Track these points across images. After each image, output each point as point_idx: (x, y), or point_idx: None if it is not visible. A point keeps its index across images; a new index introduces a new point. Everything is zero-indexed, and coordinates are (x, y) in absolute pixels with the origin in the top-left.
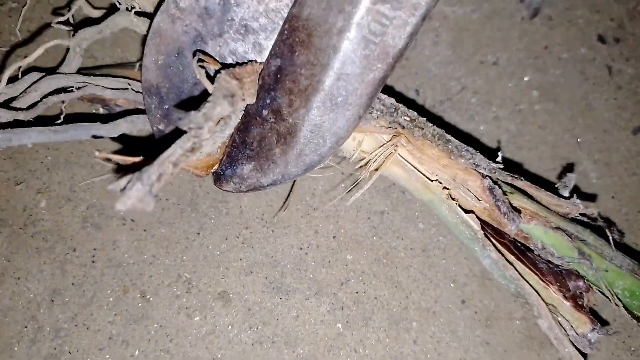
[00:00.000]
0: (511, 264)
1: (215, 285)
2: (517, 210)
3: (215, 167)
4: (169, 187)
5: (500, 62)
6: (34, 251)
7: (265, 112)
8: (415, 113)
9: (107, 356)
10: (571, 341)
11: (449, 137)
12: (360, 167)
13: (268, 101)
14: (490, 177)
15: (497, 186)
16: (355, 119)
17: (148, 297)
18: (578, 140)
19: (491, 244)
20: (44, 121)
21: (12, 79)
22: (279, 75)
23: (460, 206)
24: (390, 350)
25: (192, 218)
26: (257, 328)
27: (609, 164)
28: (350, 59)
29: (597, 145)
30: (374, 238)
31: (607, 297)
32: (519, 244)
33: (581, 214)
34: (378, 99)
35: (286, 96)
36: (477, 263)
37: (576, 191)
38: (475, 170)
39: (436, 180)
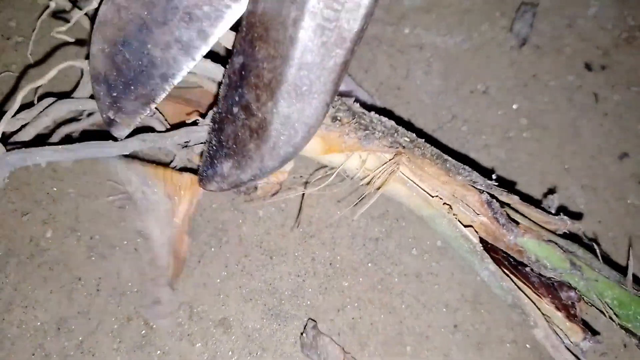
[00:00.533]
0: (509, 276)
1: (216, 312)
2: (514, 222)
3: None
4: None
5: (490, 91)
6: (41, 280)
7: (235, 110)
8: (414, 135)
9: None
10: (567, 348)
11: (446, 157)
12: (365, 184)
13: (237, 98)
14: (487, 193)
15: (494, 200)
16: (323, 107)
17: (151, 324)
18: (566, 166)
19: (489, 257)
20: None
21: (28, 105)
22: (243, 72)
23: (459, 221)
24: None
25: (193, 246)
26: (257, 354)
27: (595, 189)
28: (308, 48)
29: (584, 171)
30: (369, 264)
31: (598, 309)
32: (512, 260)
33: (569, 231)
34: (380, 121)
35: (253, 91)
36: (468, 288)
37: (563, 211)
38: (473, 186)
39: (436, 196)
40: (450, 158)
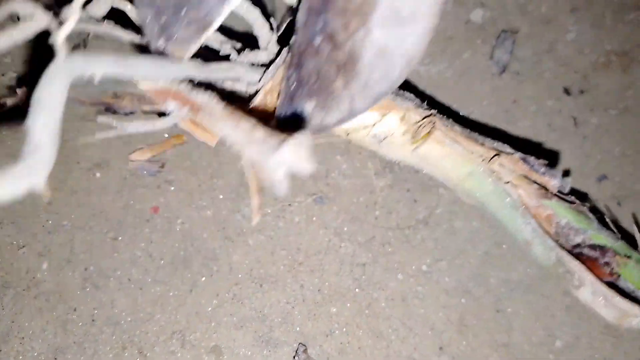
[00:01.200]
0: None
1: (208, 340)
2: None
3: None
4: (162, 247)
5: (473, 117)
6: (37, 311)
7: (317, 40)
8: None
9: None
10: (625, 294)
11: (470, 130)
12: (407, 137)
13: (319, 27)
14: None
15: (528, 155)
16: (427, 34)
17: (145, 353)
18: None
19: (530, 214)
20: None
21: None
22: None
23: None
24: None
25: (184, 276)
26: None
27: None
28: None
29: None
30: (357, 290)
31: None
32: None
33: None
34: (403, 95)
35: (339, 18)
36: (453, 311)
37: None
38: (504, 151)
39: (475, 154)
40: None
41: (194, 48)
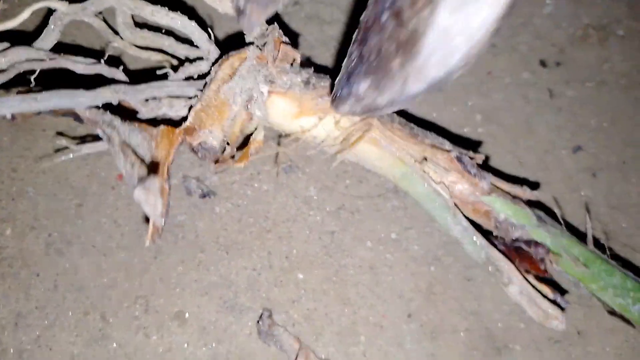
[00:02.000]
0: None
1: (172, 305)
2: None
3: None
4: (127, 214)
5: (446, 88)
6: None
7: (384, 17)
8: None
9: None
10: (546, 297)
11: (412, 125)
12: (341, 141)
13: (388, 3)
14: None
15: (463, 154)
16: (494, 19)
17: (108, 318)
18: (520, 161)
19: (461, 213)
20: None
21: None
22: None
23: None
24: None
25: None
26: (212, 346)
27: (549, 182)
28: None
29: (538, 165)
30: (325, 257)
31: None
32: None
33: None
34: None
35: None
36: (422, 279)
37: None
38: (441, 147)
39: (408, 155)
40: (416, 126)
41: (271, 10)
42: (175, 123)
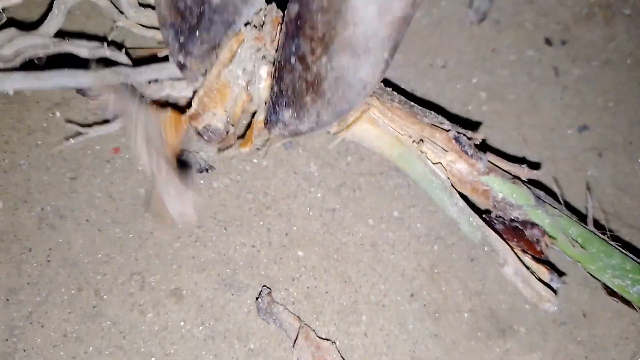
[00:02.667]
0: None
1: (168, 282)
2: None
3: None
4: (123, 188)
5: (449, 65)
6: None
7: (293, 60)
8: (382, 84)
9: (62, 353)
10: (539, 279)
11: (412, 103)
12: (338, 123)
13: (294, 48)
14: (454, 131)
15: (461, 135)
16: (380, 63)
17: (102, 295)
18: (525, 139)
19: (458, 193)
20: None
21: None
22: (298, 22)
23: (428, 159)
24: (341, 343)
25: (145, 217)
26: (209, 324)
27: (555, 161)
28: (363, 2)
29: (543, 143)
30: (325, 234)
31: (563, 250)
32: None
33: (528, 179)
34: None
35: (308, 43)
36: (425, 257)
37: (523, 161)
38: (440, 126)
39: (406, 135)
40: (416, 105)
41: (208, 64)
42: (179, 108)
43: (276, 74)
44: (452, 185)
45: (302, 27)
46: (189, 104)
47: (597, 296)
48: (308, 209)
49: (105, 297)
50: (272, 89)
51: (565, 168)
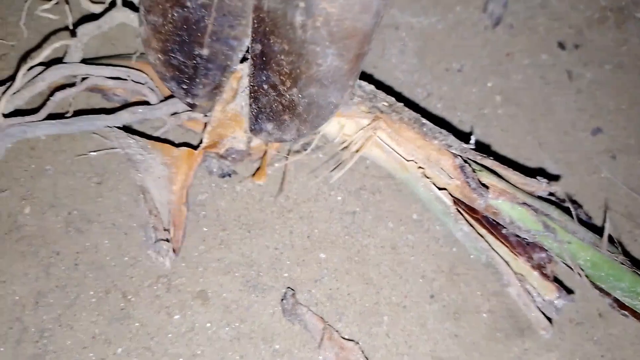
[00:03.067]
0: (483, 237)
1: (194, 285)
2: (485, 187)
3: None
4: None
5: (465, 69)
6: (18, 255)
7: (265, 87)
8: (394, 99)
9: (91, 354)
10: (537, 307)
11: (424, 120)
12: (343, 149)
13: (264, 78)
14: (461, 157)
15: (467, 164)
16: (345, 89)
17: (129, 297)
18: (540, 142)
19: (463, 218)
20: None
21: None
22: (264, 58)
23: (434, 184)
24: (363, 343)
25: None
26: (235, 325)
27: (569, 163)
28: (321, 49)
29: (558, 146)
30: (346, 237)
31: (571, 269)
32: (491, 218)
33: (547, 193)
34: (359, 86)
35: (277, 76)
36: (444, 259)
37: (542, 173)
38: (448, 150)
39: (412, 160)
40: (428, 122)
41: (215, 101)
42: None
43: (252, 94)
44: (458, 210)
45: (269, 62)
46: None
47: None
48: (329, 212)
49: (132, 299)
50: (251, 105)
51: (579, 170)
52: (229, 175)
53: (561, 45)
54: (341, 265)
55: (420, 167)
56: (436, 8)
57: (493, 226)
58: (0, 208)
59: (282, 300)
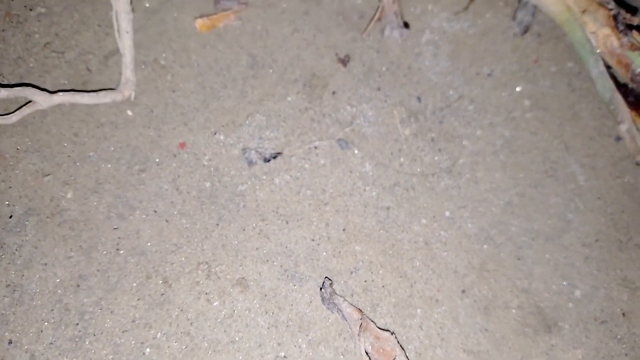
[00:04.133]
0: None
1: (234, 272)
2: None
3: None
4: (189, 182)
5: (495, 74)
6: (60, 239)
7: None
8: None
9: (131, 338)
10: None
11: None
12: None
13: None
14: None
15: (619, 14)
16: None
17: (169, 283)
18: (566, 146)
19: (602, 60)
20: None
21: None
22: None
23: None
24: (397, 335)
25: (211, 210)
26: (273, 313)
27: (595, 168)
28: None
29: (584, 150)
30: (381, 231)
31: None
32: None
33: None
34: None
35: None
36: (476, 256)
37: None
38: (605, 5)
39: (576, 5)
40: None
41: None
42: None
43: None
44: (599, 53)
45: None
46: None
47: (636, 296)
48: (364, 206)
49: (172, 285)
50: None
51: (604, 175)
52: (274, 157)
53: None
54: (376, 258)
55: (580, 11)
56: (467, 13)
57: (619, 86)
58: (44, 192)
59: (320, 289)
